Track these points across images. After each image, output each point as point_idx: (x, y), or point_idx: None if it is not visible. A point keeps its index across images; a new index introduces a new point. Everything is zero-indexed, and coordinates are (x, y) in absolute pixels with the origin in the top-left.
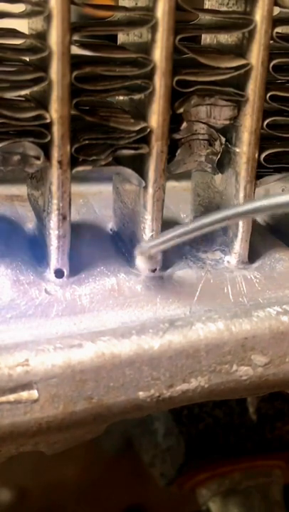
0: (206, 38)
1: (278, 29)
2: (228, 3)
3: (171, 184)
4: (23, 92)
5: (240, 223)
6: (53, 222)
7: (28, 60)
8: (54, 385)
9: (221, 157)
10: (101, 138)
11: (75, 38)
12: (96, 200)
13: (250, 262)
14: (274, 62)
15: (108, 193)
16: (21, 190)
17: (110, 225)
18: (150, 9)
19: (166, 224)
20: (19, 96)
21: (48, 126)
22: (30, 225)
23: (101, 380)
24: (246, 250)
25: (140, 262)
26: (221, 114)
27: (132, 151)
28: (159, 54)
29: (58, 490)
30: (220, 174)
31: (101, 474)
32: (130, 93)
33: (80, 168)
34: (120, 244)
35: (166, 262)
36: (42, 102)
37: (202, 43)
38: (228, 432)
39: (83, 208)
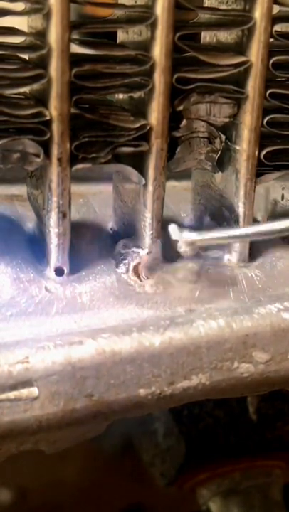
0: (206, 37)
1: (278, 27)
2: (227, 1)
3: (171, 184)
4: (22, 90)
5: (241, 222)
6: (53, 220)
7: (27, 58)
8: (54, 382)
9: (221, 155)
10: (101, 135)
11: (75, 36)
12: (96, 199)
13: (250, 260)
14: (273, 59)
15: (108, 192)
16: (21, 190)
17: (110, 224)
18: (149, 7)
19: (167, 223)
20: (19, 94)
21: (48, 124)
22: (30, 224)
23: (101, 378)
24: (247, 248)
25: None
26: (221, 112)
27: (131, 149)
28: (158, 51)
29: (57, 490)
30: (220, 172)
31: (101, 474)
32: (130, 91)
33: (79, 166)
34: None
35: (167, 260)
36: (42, 99)
37: (201, 42)
38: (228, 432)
39: (83, 207)
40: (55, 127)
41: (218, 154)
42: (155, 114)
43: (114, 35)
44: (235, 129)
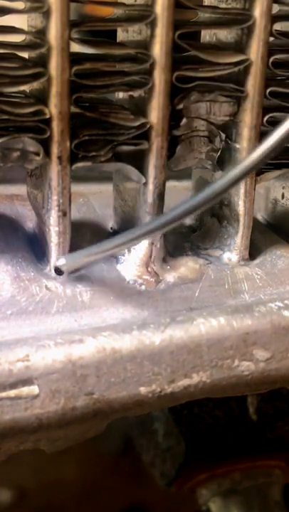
0: (206, 36)
1: (278, 25)
2: (227, 0)
3: (171, 183)
4: (22, 88)
5: (242, 220)
6: (53, 218)
7: (27, 56)
8: (55, 380)
9: (221, 154)
10: (101, 134)
11: (75, 34)
12: (96, 199)
13: (251, 259)
14: (273, 58)
15: (108, 192)
16: (21, 189)
17: (111, 224)
18: (149, 5)
19: None
20: (19, 92)
21: (48, 122)
22: (30, 223)
23: (102, 376)
24: (247, 247)
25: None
26: (221, 110)
27: (131, 147)
28: (158, 49)
29: (57, 490)
30: (220, 171)
31: (101, 474)
32: (130, 89)
33: (79, 164)
34: None
35: (167, 259)
36: (41, 98)
37: (201, 41)
38: (228, 431)
39: (83, 206)
40: (55, 125)
41: (219, 153)
42: (155, 113)
43: (114, 34)
44: (235, 127)
